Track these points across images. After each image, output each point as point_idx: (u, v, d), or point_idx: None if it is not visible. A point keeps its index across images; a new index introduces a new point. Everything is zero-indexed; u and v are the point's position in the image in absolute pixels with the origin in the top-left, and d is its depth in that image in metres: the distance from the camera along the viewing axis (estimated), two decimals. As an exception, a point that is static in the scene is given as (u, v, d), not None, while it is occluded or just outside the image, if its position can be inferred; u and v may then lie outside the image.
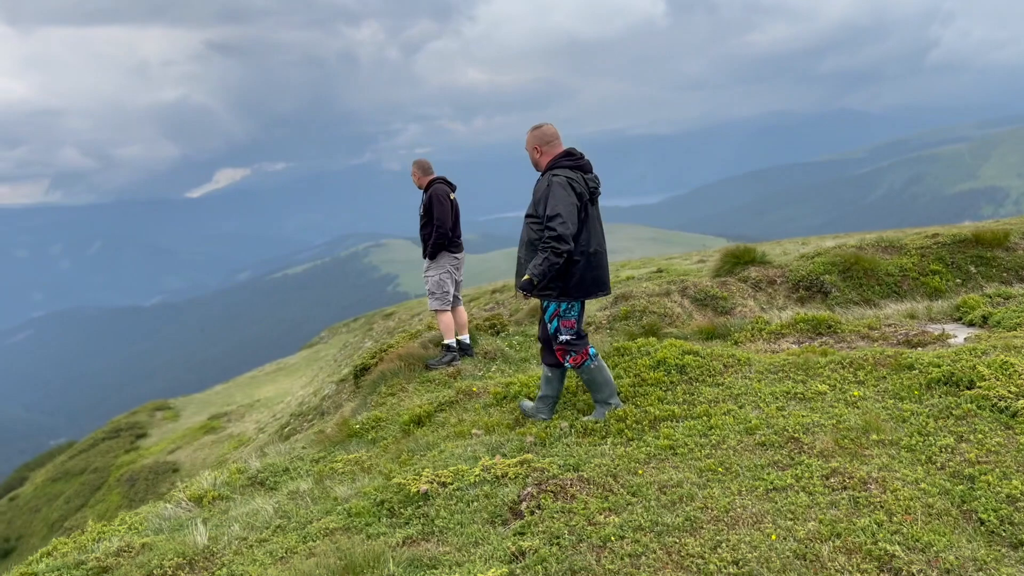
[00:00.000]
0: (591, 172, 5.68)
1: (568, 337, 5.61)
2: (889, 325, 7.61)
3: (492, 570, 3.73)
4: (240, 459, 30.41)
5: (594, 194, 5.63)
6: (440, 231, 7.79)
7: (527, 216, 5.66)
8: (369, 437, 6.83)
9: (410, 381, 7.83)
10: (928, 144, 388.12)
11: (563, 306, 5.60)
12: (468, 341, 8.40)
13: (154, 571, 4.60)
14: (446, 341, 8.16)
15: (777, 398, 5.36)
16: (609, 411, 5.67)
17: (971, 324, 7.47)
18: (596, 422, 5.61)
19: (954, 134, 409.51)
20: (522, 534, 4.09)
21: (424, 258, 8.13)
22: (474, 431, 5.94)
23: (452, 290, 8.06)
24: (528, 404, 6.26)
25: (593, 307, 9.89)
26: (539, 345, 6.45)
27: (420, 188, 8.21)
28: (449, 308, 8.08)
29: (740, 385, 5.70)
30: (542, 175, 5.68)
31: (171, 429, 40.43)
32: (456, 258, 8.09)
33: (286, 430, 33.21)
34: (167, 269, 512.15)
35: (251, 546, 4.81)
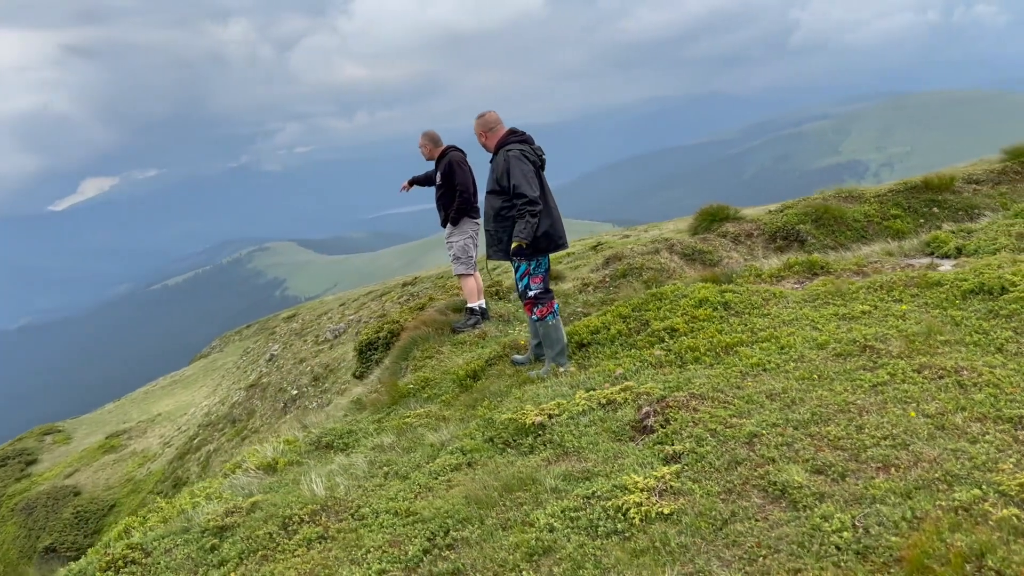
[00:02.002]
0: (534, 144, 6.53)
1: (536, 292, 6.43)
2: (874, 262, 8.34)
3: (664, 468, 4.10)
4: (142, 473, 28.84)
5: (542, 161, 6.48)
6: (464, 196, 8.05)
7: (489, 192, 6.51)
8: (424, 395, 7.04)
9: (442, 344, 8.06)
10: (793, 123, 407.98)
11: (532, 264, 6.38)
12: (485, 305, 8.67)
13: (290, 519, 4.73)
14: (470, 305, 8.42)
15: (829, 320, 5.92)
16: (554, 369, 6.41)
17: (946, 256, 8.29)
18: (540, 377, 6.35)
19: (817, 112, 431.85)
20: (663, 443, 4.47)
21: (444, 226, 8.35)
22: (566, 369, 6.29)
23: (475, 255, 8.33)
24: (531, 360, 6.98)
25: (584, 270, 10.31)
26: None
27: (431, 159, 8.41)
28: (473, 273, 8.34)
29: (787, 313, 6.25)
30: (495, 154, 6.50)
31: (64, 452, 38.51)
32: (476, 223, 8.35)
33: (195, 441, 32.39)
34: (34, 289, 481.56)
35: (372, 491, 4.99)
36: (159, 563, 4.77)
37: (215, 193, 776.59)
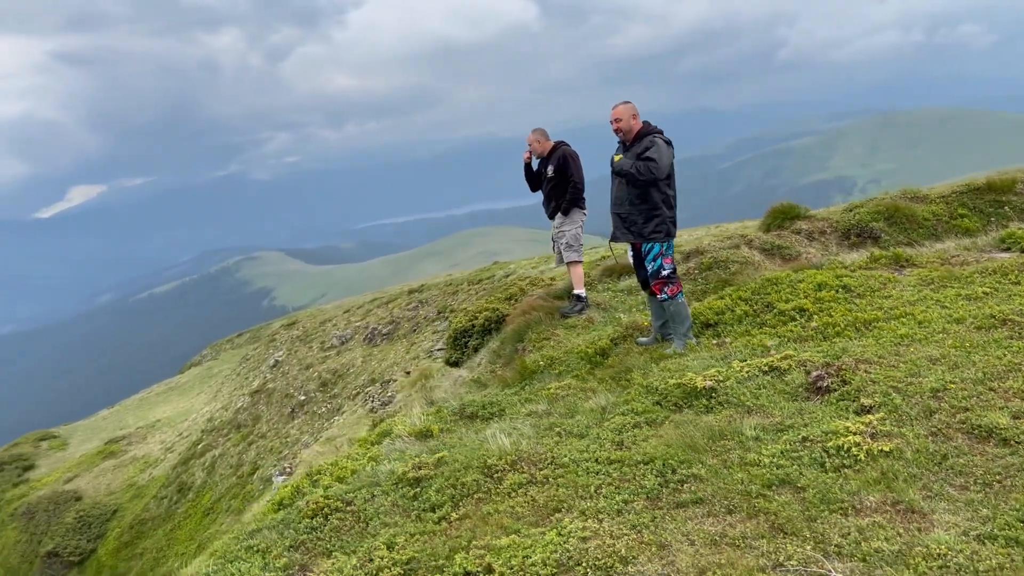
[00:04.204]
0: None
1: (669, 271, 6.95)
2: (955, 256, 8.84)
3: (869, 415, 4.55)
4: (144, 478, 28.93)
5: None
6: (578, 187, 8.52)
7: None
8: (555, 371, 7.45)
9: (555, 328, 8.49)
10: (781, 139, 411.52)
11: (665, 246, 6.94)
12: (584, 294, 9.12)
13: (491, 468, 5.13)
14: (577, 291, 8.86)
15: (954, 300, 6.40)
16: (690, 345, 6.88)
17: (1024, 251, 8.80)
18: (677, 353, 6.80)
19: (804, 128, 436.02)
20: (848, 400, 4.91)
21: (552, 217, 8.81)
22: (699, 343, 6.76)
23: (583, 244, 8.79)
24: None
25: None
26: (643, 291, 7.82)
27: (541, 155, 8.86)
28: (583, 260, 8.79)
29: (910, 295, 6.73)
30: (637, 140, 6.97)
31: (62, 458, 38.53)
32: (585, 214, 8.81)
33: (200, 446, 32.55)
34: (19, 295, 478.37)
35: (555, 447, 5.40)
36: (366, 509, 5.15)
37: (203, 202, 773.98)
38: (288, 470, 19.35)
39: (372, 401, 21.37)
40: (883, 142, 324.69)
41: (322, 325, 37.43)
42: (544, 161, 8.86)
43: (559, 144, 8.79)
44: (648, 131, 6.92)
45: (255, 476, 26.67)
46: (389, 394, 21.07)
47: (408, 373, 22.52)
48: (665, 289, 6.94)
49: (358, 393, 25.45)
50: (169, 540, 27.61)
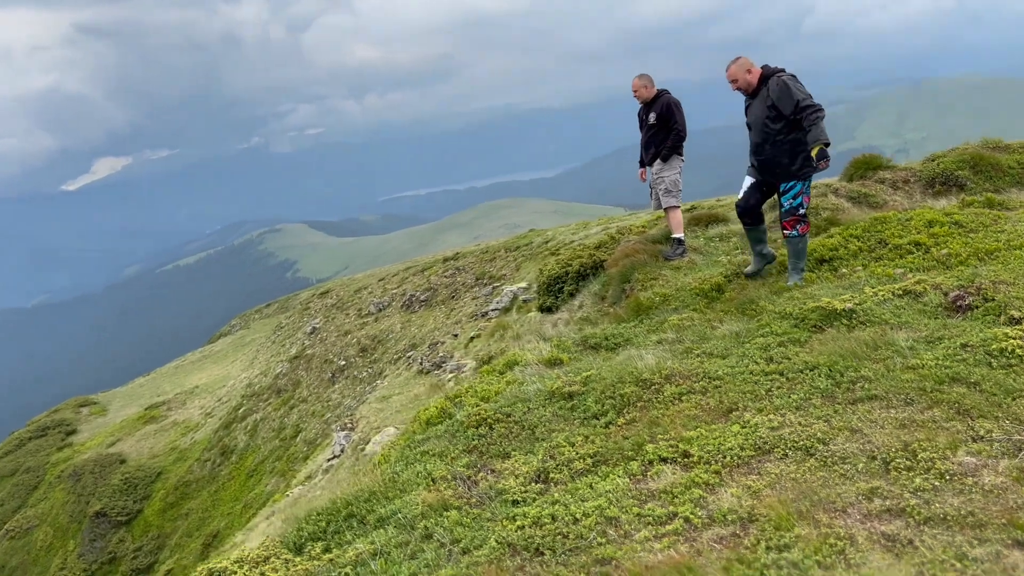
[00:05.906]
0: None
1: (805, 209, 7.13)
2: (1049, 201, 9.05)
3: (1014, 327, 4.85)
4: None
5: None
6: (681, 135, 8.78)
7: (765, 119, 7.09)
8: (670, 307, 7.79)
9: (660, 270, 8.81)
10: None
11: (805, 184, 7.06)
12: (684, 237, 9.42)
13: (646, 382, 5.47)
14: (677, 235, 9.16)
15: (1071, 232, 6.65)
16: (803, 278, 7.22)
17: (1118, 194, 9.00)
18: (797, 285, 7.10)
19: (831, 96, 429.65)
20: (994, 314, 5.22)
21: (650, 164, 9.09)
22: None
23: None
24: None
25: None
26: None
27: (643, 100, 9.11)
28: (681, 206, 9.08)
29: (1022, 229, 6.98)
30: (760, 86, 7.14)
31: (103, 423, 39.50)
32: (683, 160, 9.08)
33: (240, 411, 33.19)
34: (49, 267, 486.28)
35: (699, 365, 5.73)
36: (528, 419, 5.51)
37: (227, 174, 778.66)
38: (349, 426, 19.88)
39: (420, 363, 21.83)
40: (912, 111, 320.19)
41: (357, 293, 37.99)
42: (646, 108, 9.11)
43: (662, 92, 9.03)
44: (769, 73, 7.10)
45: (298, 439, 27.34)
46: (440, 355, 21.50)
47: (456, 336, 22.98)
48: (797, 227, 7.11)
49: (399, 357, 25.91)
50: (214, 501, 28.44)
